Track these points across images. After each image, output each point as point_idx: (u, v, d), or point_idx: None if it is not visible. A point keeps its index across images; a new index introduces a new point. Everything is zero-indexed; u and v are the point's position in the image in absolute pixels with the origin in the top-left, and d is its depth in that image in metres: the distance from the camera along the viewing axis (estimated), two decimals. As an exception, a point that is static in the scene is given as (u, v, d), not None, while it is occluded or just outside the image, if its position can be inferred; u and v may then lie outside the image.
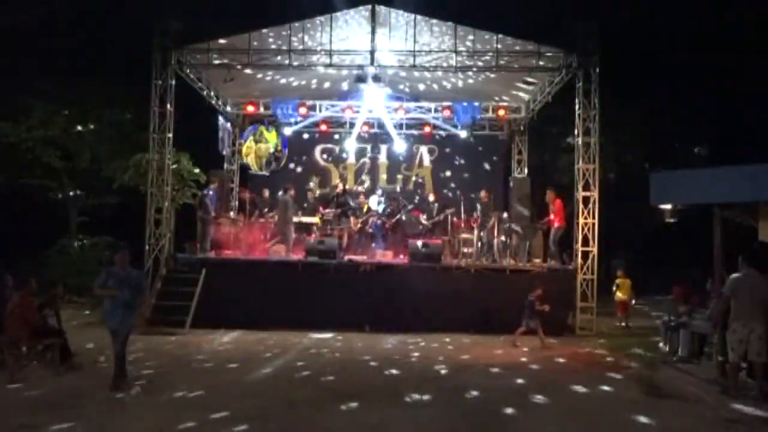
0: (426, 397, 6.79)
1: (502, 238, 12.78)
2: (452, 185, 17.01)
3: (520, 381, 7.65)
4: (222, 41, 12.48)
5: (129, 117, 16.34)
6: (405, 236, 13.80)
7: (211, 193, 13.10)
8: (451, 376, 7.87)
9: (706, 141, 18.86)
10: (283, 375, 7.77)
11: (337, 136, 17.03)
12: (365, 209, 14.75)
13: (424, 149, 17.18)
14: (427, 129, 16.49)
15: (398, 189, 16.83)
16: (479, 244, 12.98)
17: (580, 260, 11.74)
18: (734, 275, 7.10)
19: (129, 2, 17.66)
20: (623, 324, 12.64)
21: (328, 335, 10.72)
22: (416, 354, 9.31)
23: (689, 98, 18.61)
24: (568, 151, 15.54)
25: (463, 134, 16.04)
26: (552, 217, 12.29)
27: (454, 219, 13.62)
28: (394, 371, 8.05)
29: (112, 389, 6.61)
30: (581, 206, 11.87)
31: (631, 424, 6.02)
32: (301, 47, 12.55)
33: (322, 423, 5.84)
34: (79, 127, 16.30)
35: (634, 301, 13.53)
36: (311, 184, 16.71)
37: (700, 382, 7.65)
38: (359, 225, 14.22)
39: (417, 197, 16.56)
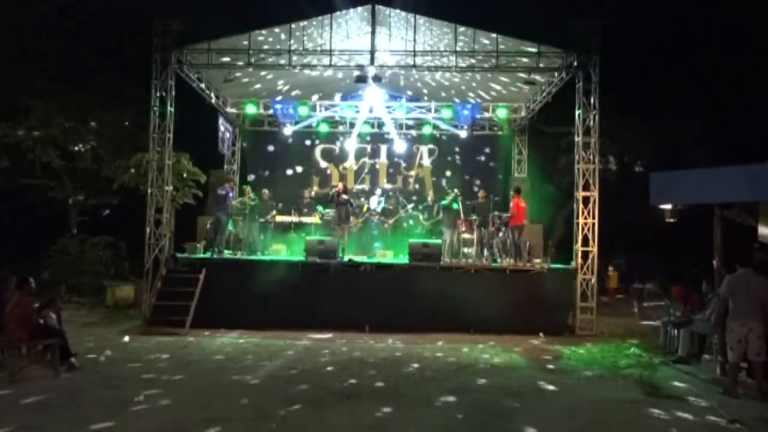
0: (426, 396, 6.79)
1: (500, 236, 12.81)
2: (452, 185, 16.99)
3: (518, 381, 7.65)
4: (222, 41, 12.49)
5: (129, 117, 16.35)
6: (405, 236, 13.80)
7: (230, 193, 12.99)
8: (450, 376, 7.87)
9: (707, 141, 18.85)
10: (283, 375, 7.77)
11: (337, 136, 17.03)
12: (365, 209, 14.75)
13: (424, 149, 17.16)
14: (427, 129, 16.50)
15: (398, 189, 16.82)
16: (480, 244, 12.99)
17: (580, 260, 11.74)
18: (730, 276, 7.12)
19: (129, 2, 17.66)
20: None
21: (327, 335, 10.71)
22: (416, 354, 9.30)
23: (690, 98, 18.58)
24: (566, 150, 15.56)
25: (463, 134, 16.04)
26: (506, 215, 12.52)
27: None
28: (393, 371, 8.05)
29: None
30: (581, 206, 11.87)
31: (631, 424, 6.03)
32: (301, 47, 12.55)
33: (321, 423, 5.84)
34: (79, 128, 16.30)
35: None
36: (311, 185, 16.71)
37: (700, 382, 7.66)
38: (359, 225, 14.22)
39: (417, 197, 16.56)
